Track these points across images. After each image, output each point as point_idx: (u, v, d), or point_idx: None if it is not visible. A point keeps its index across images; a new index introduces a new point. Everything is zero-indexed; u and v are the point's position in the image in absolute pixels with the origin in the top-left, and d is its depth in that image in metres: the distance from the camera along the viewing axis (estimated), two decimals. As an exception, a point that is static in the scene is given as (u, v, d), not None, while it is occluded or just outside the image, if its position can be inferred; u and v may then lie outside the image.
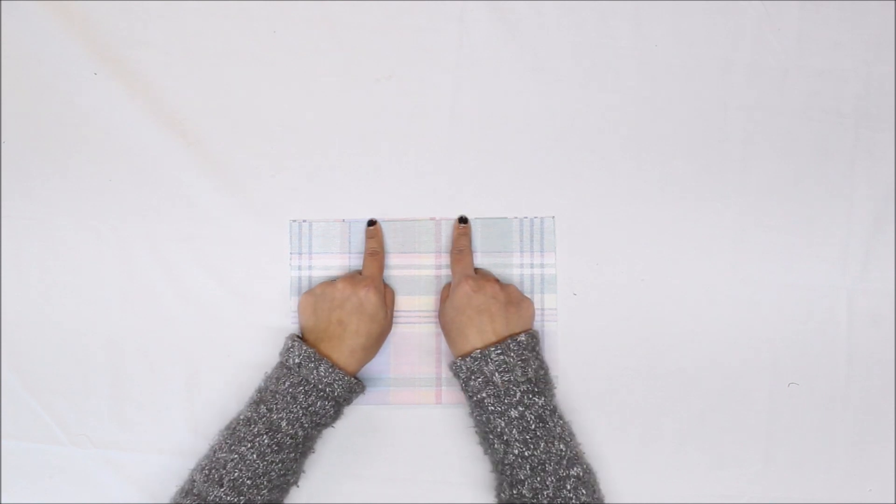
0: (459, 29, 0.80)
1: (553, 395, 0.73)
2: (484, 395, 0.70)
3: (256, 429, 0.69)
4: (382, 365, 0.79)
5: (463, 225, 0.79)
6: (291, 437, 0.70)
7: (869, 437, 0.79)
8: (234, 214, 0.80)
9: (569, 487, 0.68)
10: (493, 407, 0.70)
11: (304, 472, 0.74)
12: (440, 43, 0.80)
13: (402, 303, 0.79)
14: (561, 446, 0.70)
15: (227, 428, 0.71)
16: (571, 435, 0.72)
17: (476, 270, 0.78)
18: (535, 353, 0.72)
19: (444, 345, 0.79)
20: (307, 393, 0.70)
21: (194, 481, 0.69)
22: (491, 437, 0.71)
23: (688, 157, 0.80)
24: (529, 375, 0.71)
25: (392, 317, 0.78)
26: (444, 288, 0.79)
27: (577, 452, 0.71)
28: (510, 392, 0.70)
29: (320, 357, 0.71)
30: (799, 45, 0.80)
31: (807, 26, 0.80)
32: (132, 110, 0.80)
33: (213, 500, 0.68)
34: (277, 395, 0.70)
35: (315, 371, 0.70)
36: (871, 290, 0.80)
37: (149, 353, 0.79)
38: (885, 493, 0.79)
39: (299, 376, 0.70)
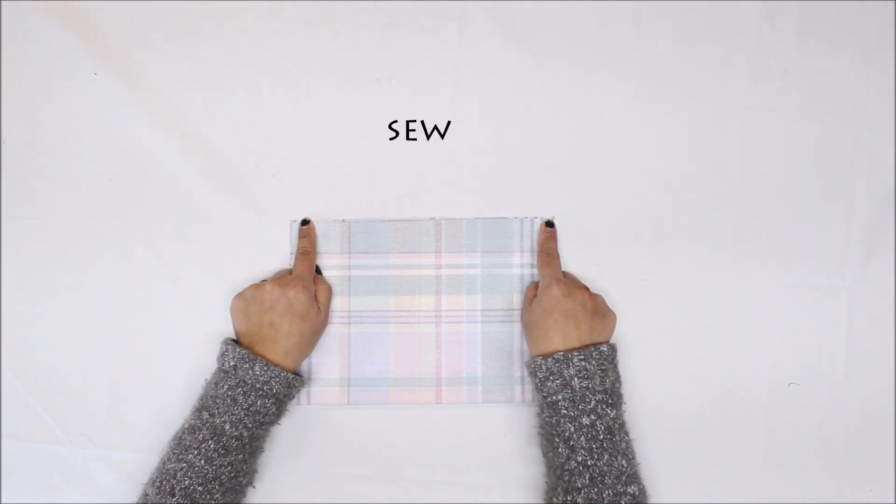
0: (459, 29, 0.80)
1: (623, 410, 0.73)
2: (560, 397, 0.70)
3: (201, 435, 0.70)
4: (382, 365, 0.79)
5: (550, 229, 0.79)
6: (237, 439, 0.70)
7: (869, 437, 0.79)
8: (234, 214, 0.80)
9: (623, 503, 0.69)
10: (566, 411, 0.70)
11: (257, 471, 0.74)
12: (440, 43, 0.80)
13: (403, 303, 0.79)
14: (623, 462, 0.70)
15: (174, 438, 0.72)
16: (633, 453, 0.73)
17: (564, 274, 0.78)
18: (613, 365, 0.73)
19: (444, 344, 0.79)
20: (246, 394, 0.71)
21: (147, 495, 0.70)
22: (557, 440, 0.71)
23: (688, 157, 0.80)
24: (606, 386, 0.71)
25: (327, 313, 0.78)
26: (530, 288, 0.78)
27: (636, 471, 0.72)
28: (586, 399, 0.70)
29: (254, 357, 0.71)
30: (799, 45, 0.80)
31: (807, 26, 0.80)
32: (132, 110, 0.80)
33: None
34: (218, 400, 0.71)
35: (251, 371, 0.71)
36: (871, 290, 0.80)
37: (149, 354, 0.79)
38: (885, 493, 0.79)
39: (236, 378, 0.71)
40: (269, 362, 0.71)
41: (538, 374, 0.72)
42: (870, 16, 0.80)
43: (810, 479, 0.79)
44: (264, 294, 0.74)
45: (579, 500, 0.68)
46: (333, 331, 0.79)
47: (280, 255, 0.79)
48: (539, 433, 0.74)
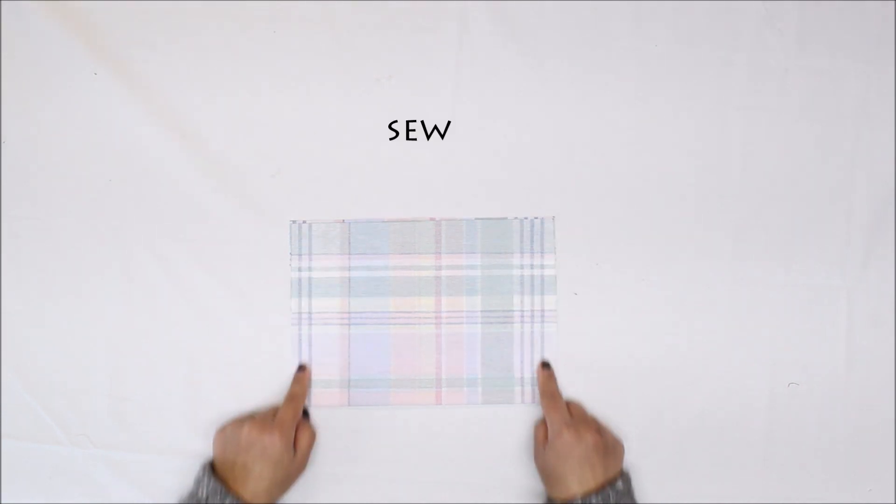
0: (459, 29, 0.80)
1: None
2: None
3: None
4: (383, 366, 0.79)
5: (547, 370, 0.78)
6: None
7: (869, 437, 0.79)
8: (234, 214, 0.80)
9: None
10: None
11: None
12: (440, 43, 0.80)
13: (402, 304, 0.79)
14: None
15: None
16: None
17: (569, 406, 0.77)
18: (630, 497, 0.73)
19: (444, 345, 0.79)
20: None
21: None
22: None
23: (688, 157, 0.80)
24: None
25: (305, 459, 0.76)
26: (538, 428, 0.77)
27: None
28: None
29: (226, 492, 0.71)
30: (799, 45, 0.80)
31: (807, 26, 0.80)
32: (132, 110, 0.80)
33: None
34: None
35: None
36: (871, 290, 0.80)
37: (149, 353, 0.79)
38: (885, 493, 0.79)
39: None
40: (239, 499, 0.71)
41: None
42: (870, 16, 0.80)
43: (810, 479, 0.79)
44: (241, 435, 0.73)
45: None
46: (333, 332, 0.79)
47: (280, 255, 0.79)
48: None
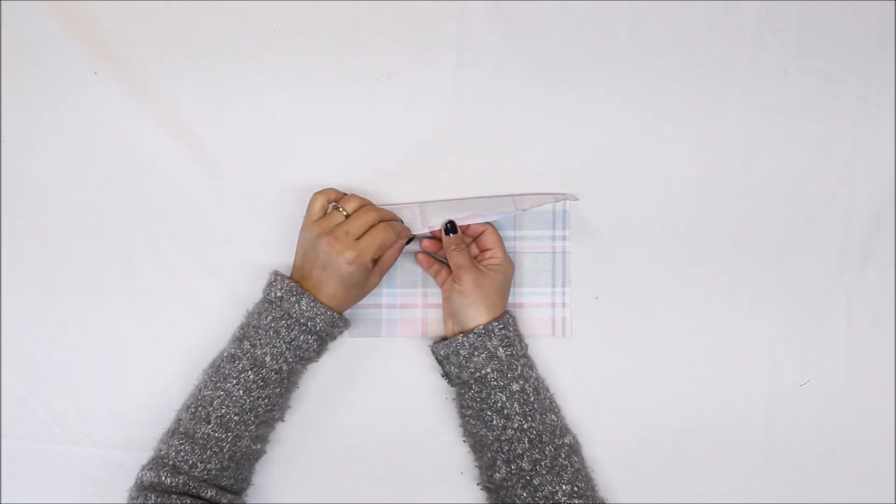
0: (459, 29, 0.80)
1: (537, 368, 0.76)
2: (488, 370, 0.71)
3: (241, 365, 0.70)
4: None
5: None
6: (276, 372, 0.71)
7: (869, 437, 0.79)
8: (234, 214, 0.80)
9: (563, 455, 0.71)
10: (495, 382, 0.71)
11: (290, 406, 0.75)
12: (440, 43, 0.80)
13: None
14: (553, 417, 0.73)
15: (211, 366, 0.72)
16: (558, 406, 0.75)
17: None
18: (518, 328, 0.75)
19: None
20: (290, 327, 0.70)
21: (180, 420, 0.71)
22: (489, 413, 0.71)
23: (688, 157, 0.80)
24: (524, 350, 0.74)
25: (383, 273, 0.75)
26: (442, 276, 0.78)
27: (564, 423, 0.75)
28: (512, 366, 0.72)
29: (301, 291, 0.71)
30: (799, 45, 0.80)
31: (807, 26, 0.80)
32: (132, 110, 0.80)
33: (200, 437, 0.69)
34: (260, 331, 0.71)
35: (297, 305, 0.70)
36: (871, 290, 0.80)
37: (149, 353, 0.79)
38: (885, 493, 0.79)
39: (281, 310, 0.71)
40: (315, 299, 0.70)
41: (461, 352, 0.72)
42: (870, 16, 0.80)
43: (810, 479, 0.79)
44: (320, 249, 0.70)
45: (524, 464, 0.70)
46: None
47: (280, 254, 0.79)
48: (464, 415, 0.74)
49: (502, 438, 0.71)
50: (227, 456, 0.69)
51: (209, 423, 0.69)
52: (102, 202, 0.80)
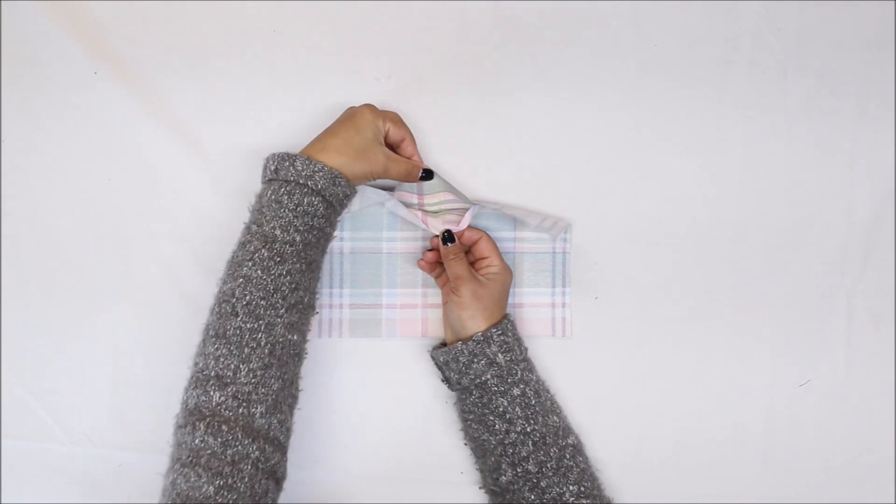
0: (459, 29, 0.80)
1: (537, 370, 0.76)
2: (488, 376, 0.71)
3: (252, 246, 0.67)
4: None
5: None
6: (290, 244, 0.67)
7: (869, 437, 0.79)
8: (234, 215, 0.80)
9: (568, 456, 0.71)
10: (496, 387, 0.71)
11: (318, 293, 0.73)
12: (440, 43, 0.80)
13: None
14: (555, 418, 0.73)
15: (227, 263, 0.69)
16: (560, 407, 0.75)
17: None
18: (517, 332, 0.75)
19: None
20: (290, 192, 0.68)
21: (209, 326, 0.67)
22: (491, 418, 0.71)
23: (688, 157, 0.80)
24: (524, 353, 0.74)
25: (386, 152, 0.73)
26: (442, 281, 0.78)
27: (567, 423, 0.75)
28: (512, 371, 0.72)
29: (293, 154, 0.69)
30: (799, 45, 0.80)
31: (807, 26, 0.80)
32: (132, 110, 0.80)
33: (234, 334, 0.65)
34: (263, 208, 0.68)
35: (292, 168, 0.68)
36: (871, 290, 0.80)
37: (149, 353, 0.79)
38: (885, 493, 0.79)
39: (278, 181, 0.69)
40: (309, 158, 0.68)
41: (460, 358, 0.72)
42: (870, 16, 0.80)
43: (810, 479, 0.79)
44: (345, 112, 0.74)
45: (530, 467, 0.70)
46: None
47: (280, 255, 0.79)
48: (465, 419, 0.74)
49: (506, 442, 0.71)
50: (266, 351, 0.64)
51: (237, 315, 0.65)
52: (102, 202, 0.80)
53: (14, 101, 0.80)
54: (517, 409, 0.71)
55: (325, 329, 0.79)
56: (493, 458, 0.72)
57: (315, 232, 0.69)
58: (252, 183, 0.80)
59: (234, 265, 0.67)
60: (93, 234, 0.80)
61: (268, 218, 0.68)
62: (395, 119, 0.76)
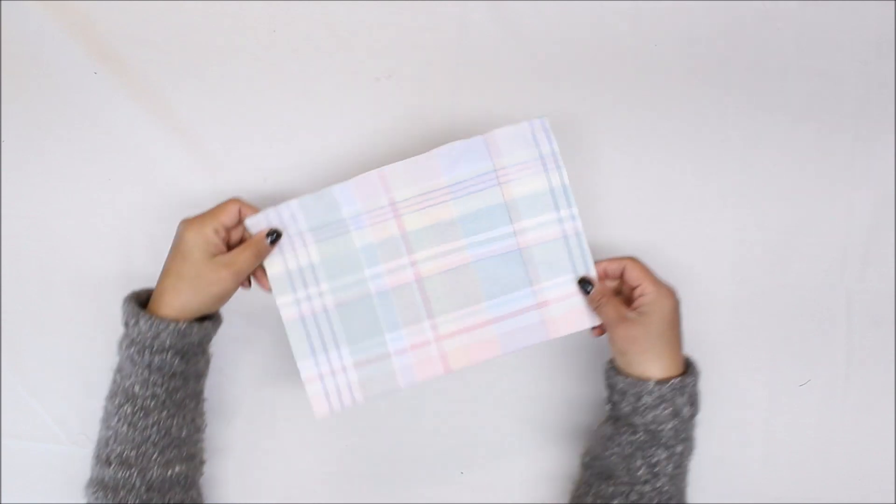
0: (459, 29, 0.80)
1: None
2: (668, 426, 0.65)
3: (118, 400, 0.67)
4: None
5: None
6: (152, 398, 0.66)
7: (869, 437, 0.79)
8: (234, 214, 0.80)
9: None
10: (666, 440, 0.66)
11: (203, 414, 0.72)
12: (440, 43, 0.80)
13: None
14: (685, 482, 0.69)
15: (104, 406, 0.70)
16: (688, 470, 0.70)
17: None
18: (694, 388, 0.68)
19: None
20: (140, 352, 0.66)
21: (93, 468, 0.69)
22: (639, 462, 0.66)
23: (687, 157, 0.80)
24: (699, 409, 0.68)
25: (234, 273, 0.67)
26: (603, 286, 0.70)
27: (686, 493, 0.70)
28: (687, 429, 0.67)
29: (138, 311, 0.66)
30: (799, 45, 0.80)
31: (807, 26, 0.80)
32: (132, 110, 0.80)
33: (109, 481, 0.66)
34: (123, 361, 0.68)
35: (136, 327, 0.66)
36: (871, 290, 0.80)
37: (149, 353, 0.79)
38: (885, 493, 0.79)
39: (128, 337, 0.67)
40: (152, 315, 0.66)
41: (645, 398, 0.65)
42: (870, 16, 0.80)
43: (810, 479, 0.79)
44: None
45: None
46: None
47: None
48: (608, 447, 0.68)
49: (637, 489, 0.66)
50: (143, 490, 0.66)
51: (110, 464, 0.66)
52: (102, 202, 0.80)
53: (14, 101, 0.80)
54: (670, 466, 0.66)
55: (335, 400, 0.70)
56: (612, 488, 0.67)
57: (177, 378, 0.68)
58: (252, 183, 0.80)
59: (107, 414, 0.69)
60: (93, 234, 0.80)
61: (126, 373, 0.67)
62: (225, 209, 0.68)
